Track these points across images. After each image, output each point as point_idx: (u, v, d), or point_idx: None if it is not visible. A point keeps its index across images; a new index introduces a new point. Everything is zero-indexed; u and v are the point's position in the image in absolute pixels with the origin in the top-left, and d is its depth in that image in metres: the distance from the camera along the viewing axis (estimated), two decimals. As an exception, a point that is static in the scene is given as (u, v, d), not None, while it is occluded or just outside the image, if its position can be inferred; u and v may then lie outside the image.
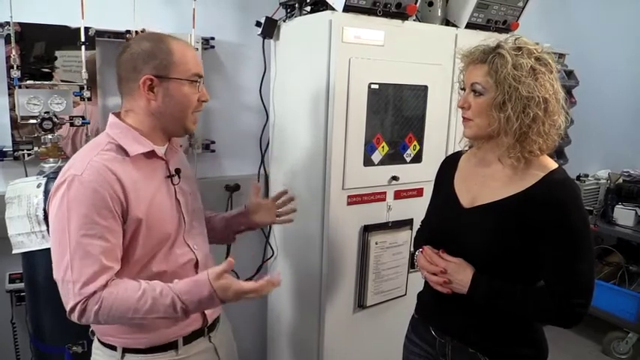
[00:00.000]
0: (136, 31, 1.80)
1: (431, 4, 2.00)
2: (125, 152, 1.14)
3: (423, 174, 1.94)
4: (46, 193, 1.54)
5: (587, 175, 3.48)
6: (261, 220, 1.54)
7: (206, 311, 1.27)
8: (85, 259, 1.05)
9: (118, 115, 1.22)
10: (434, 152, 1.96)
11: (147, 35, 1.19)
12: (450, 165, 1.39)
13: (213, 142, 2.13)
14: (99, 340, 1.24)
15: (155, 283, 1.09)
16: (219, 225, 1.52)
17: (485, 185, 1.24)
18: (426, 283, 1.32)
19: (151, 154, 1.18)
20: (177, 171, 1.25)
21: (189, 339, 1.26)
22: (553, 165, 1.18)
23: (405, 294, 2.01)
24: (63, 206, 1.06)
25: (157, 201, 1.18)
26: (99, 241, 1.06)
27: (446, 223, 1.30)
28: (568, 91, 3.06)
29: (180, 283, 1.10)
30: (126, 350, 1.20)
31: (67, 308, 1.07)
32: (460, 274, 1.20)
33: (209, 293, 1.07)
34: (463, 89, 1.24)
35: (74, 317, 1.07)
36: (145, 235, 1.14)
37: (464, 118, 1.23)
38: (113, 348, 1.21)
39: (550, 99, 1.12)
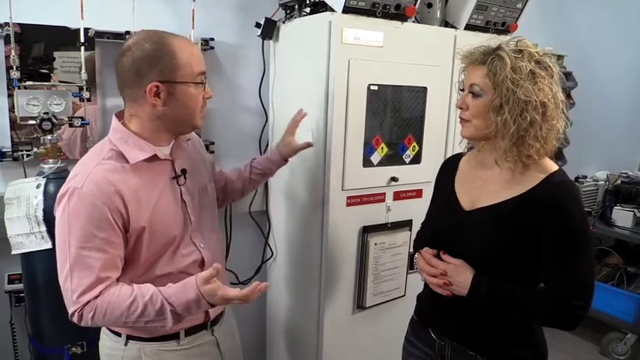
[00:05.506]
0: (136, 32, 1.79)
1: (430, 5, 2.00)
2: (126, 159, 1.14)
3: (422, 175, 1.94)
4: (46, 193, 1.54)
5: (585, 177, 3.49)
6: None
7: None
8: (82, 270, 1.08)
9: (121, 115, 1.20)
10: (433, 153, 1.96)
11: (147, 36, 1.12)
12: (450, 167, 1.39)
13: (212, 143, 2.13)
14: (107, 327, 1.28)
15: (146, 288, 1.10)
16: (237, 181, 1.62)
17: (485, 188, 1.24)
18: (426, 284, 1.32)
19: (153, 159, 1.17)
20: (184, 171, 1.24)
21: (190, 331, 1.28)
22: (553, 167, 1.18)
23: (404, 295, 2.01)
24: (64, 219, 1.08)
25: (162, 205, 1.18)
26: (97, 254, 1.08)
27: (446, 226, 1.29)
28: (567, 94, 3.06)
29: (170, 287, 1.11)
30: (130, 337, 1.24)
31: (69, 313, 1.11)
32: (460, 276, 1.19)
33: (196, 296, 1.08)
34: (463, 90, 1.23)
35: (75, 321, 1.11)
36: (148, 240, 1.15)
37: (461, 118, 1.23)
38: (118, 334, 1.25)
39: (548, 103, 1.11)
